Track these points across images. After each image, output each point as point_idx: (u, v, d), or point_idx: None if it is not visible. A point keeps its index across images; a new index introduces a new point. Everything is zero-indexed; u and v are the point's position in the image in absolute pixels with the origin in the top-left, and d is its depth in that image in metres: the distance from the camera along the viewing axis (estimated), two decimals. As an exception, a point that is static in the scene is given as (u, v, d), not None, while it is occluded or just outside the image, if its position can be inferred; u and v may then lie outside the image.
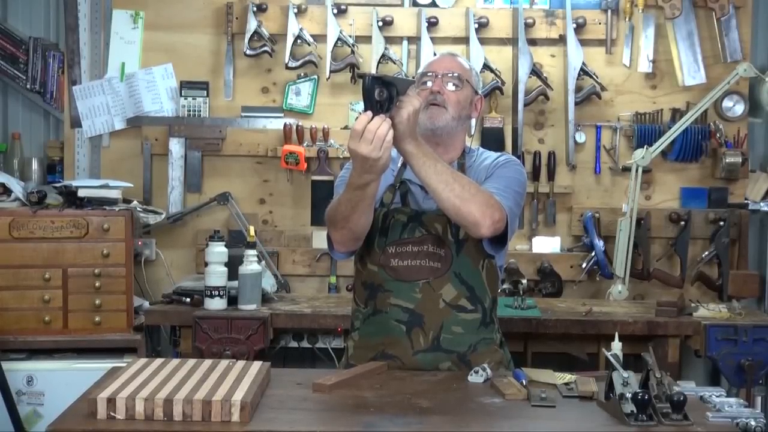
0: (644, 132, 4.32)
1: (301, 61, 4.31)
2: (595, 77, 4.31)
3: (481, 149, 2.93)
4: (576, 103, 4.32)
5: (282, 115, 4.40)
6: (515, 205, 2.72)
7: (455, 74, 2.78)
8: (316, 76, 4.39)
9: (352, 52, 4.30)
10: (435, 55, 2.80)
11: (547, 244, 4.39)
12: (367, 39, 4.32)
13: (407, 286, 2.72)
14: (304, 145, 4.31)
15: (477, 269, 2.74)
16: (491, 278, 2.78)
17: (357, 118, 2.42)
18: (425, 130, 2.71)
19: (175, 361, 2.50)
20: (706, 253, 4.33)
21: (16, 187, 3.98)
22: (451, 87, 2.77)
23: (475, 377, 2.57)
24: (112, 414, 2.16)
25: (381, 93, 2.39)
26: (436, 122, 2.74)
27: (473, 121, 2.97)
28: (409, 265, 2.73)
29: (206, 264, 3.82)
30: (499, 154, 2.88)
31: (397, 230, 2.75)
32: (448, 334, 2.71)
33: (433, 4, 4.38)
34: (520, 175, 2.80)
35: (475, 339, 2.73)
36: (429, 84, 2.78)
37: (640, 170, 4.14)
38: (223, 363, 2.50)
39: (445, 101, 2.75)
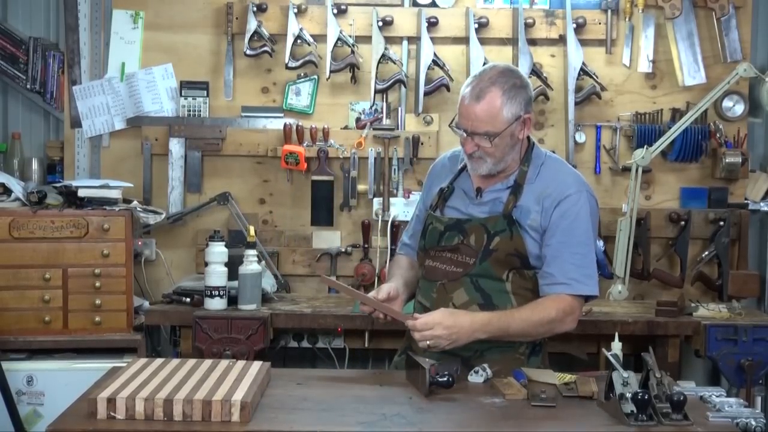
0: (644, 132, 4.32)
1: (301, 61, 4.31)
2: (595, 77, 4.31)
3: (548, 159, 2.84)
4: (576, 103, 4.31)
5: (282, 115, 4.40)
6: (590, 261, 2.77)
7: (483, 131, 2.69)
8: (316, 76, 4.39)
9: (352, 52, 4.30)
10: (474, 75, 2.65)
11: (547, 244, 4.38)
12: (367, 39, 4.32)
13: (429, 285, 2.81)
14: (304, 145, 4.31)
15: (500, 279, 2.75)
16: (521, 289, 2.77)
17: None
18: (475, 174, 2.79)
19: (175, 361, 2.50)
20: (706, 253, 4.33)
21: (16, 187, 3.98)
22: (484, 143, 2.70)
23: (475, 377, 2.57)
24: (112, 414, 2.16)
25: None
26: (479, 171, 2.77)
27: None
28: (432, 266, 2.81)
29: (206, 264, 3.83)
30: (563, 180, 2.77)
31: (434, 237, 2.82)
32: None
33: (433, 4, 4.38)
34: (587, 219, 2.76)
35: (484, 345, 2.73)
36: (464, 135, 2.73)
37: (640, 170, 4.14)
38: (223, 363, 2.51)
39: (482, 154, 2.73)
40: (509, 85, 2.71)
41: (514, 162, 2.79)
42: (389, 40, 4.31)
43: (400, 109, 4.37)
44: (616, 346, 2.41)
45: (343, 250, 4.35)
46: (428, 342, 2.60)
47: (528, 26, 4.32)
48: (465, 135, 2.72)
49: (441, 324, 2.60)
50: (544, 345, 2.87)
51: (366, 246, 4.32)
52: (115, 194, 3.96)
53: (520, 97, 2.73)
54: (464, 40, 4.34)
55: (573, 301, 2.75)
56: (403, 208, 4.26)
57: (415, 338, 2.62)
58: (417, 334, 2.61)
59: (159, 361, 2.50)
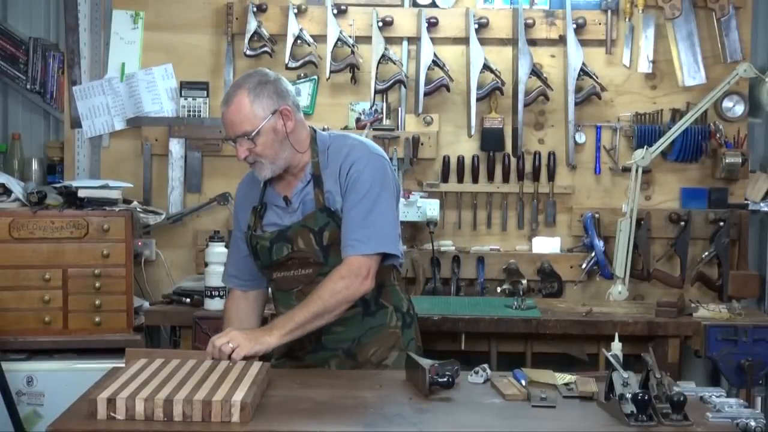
0: (644, 132, 4.32)
1: (301, 62, 4.31)
2: (595, 77, 4.31)
3: (333, 140, 2.84)
4: (576, 104, 4.31)
5: (282, 115, 4.39)
6: (373, 220, 2.71)
7: (242, 132, 2.71)
8: (316, 77, 4.39)
9: (352, 52, 4.30)
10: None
11: (547, 245, 4.39)
12: (367, 39, 4.32)
13: (286, 295, 2.85)
14: (304, 145, 4.31)
15: None
16: (377, 273, 2.77)
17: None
18: (265, 180, 2.82)
19: (175, 362, 2.50)
20: (706, 253, 4.33)
21: (16, 187, 3.98)
22: (250, 144, 2.72)
23: (475, 377, 2.57)
24: (112, 414, 2.16)
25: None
26: (262, 176, 2.80)
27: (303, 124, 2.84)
28: (281, 276, 2.85)
29: (206, 264, 3.83)
30: (346, 152, 2.78)
31: (265, 255, 2.85)
32: (328, 335, 2.80)
33: (433, 5, 4.38)
34: (370, 179, 2.74)
35: (359, 332, 2.81)
36: (231, 143, 2.78)
37: (640, 170, 4.15)
38: (223, 363, 2.51)
39: (255, 157, 2.75)
40: (254, 83, 2.74)
41: (299, 156, 2.80)
42: (389, 41, 4.31)
43: (400, 109, 4.37)
44: (616, 346, 2.41)
45: (343, 250, 4.35)
46: (220, 353, 2.59)
47: (528, 26, 4.32)
48: (232, 143, 2.76)
49: (217, 334, 2.64)
50: (415, 317, 2.93)
51: (366, 246, 4.32)
52: (115, 194, 3.97)
53: (268, 91, 2.74)
54: (464, 41, 4.34)
55: (355, 261, 2.70)
56: (403, 208, 4.25)
57: (216, 356, 2.60)
58: (209, 356, 2.60)
59: (159, 361, 2.50)
